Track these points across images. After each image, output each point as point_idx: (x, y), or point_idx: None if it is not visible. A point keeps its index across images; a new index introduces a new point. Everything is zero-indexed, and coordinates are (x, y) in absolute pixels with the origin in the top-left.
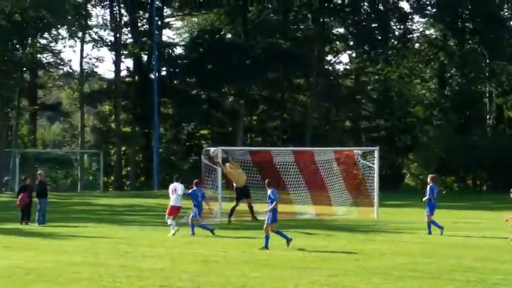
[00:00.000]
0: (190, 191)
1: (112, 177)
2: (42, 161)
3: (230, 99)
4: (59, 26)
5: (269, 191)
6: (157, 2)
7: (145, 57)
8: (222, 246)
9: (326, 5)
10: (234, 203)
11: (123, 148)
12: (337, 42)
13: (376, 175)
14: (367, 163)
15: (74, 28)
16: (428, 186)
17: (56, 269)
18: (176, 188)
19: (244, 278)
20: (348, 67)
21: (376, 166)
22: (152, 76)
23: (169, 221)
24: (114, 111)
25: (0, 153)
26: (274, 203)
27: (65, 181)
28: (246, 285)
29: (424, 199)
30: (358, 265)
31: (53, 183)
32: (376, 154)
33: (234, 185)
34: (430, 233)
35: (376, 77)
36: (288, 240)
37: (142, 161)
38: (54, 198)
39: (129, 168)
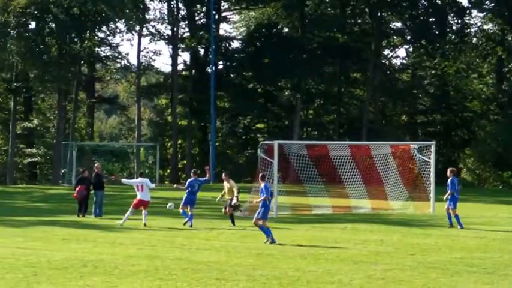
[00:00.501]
0: (188, 180)
1: (168, 170)
2: (99, 153)
3: (286, 93)
4: (116, 20)
5: (262, 185)
6: None
7: (202, 51)
8: (277, 239)
9: None
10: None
11: (179, 141)
12: (394, 37)
13: (432, 170)
14: (424, 157)
15: (131, 22)
16: (449, 180)
17: (113, 261)
18: (143, 184)
19: (300, 272)
20: (404, 61)
21: (432, 161)
22: (209, 70)
23: (129, 212)
24: (171, 104)
25: (58, 146)
26: (263, 197)
27: (121, 174)
28: (301, 278)
29: (445, 197)
30: (414, 259)
31: (108, 176)
32: (432, 149)
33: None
34: (451, 225)
35: (433, 72)
36: (270, 238)
37: (199, 154)
38: (110, 190)
39: (185, 162)
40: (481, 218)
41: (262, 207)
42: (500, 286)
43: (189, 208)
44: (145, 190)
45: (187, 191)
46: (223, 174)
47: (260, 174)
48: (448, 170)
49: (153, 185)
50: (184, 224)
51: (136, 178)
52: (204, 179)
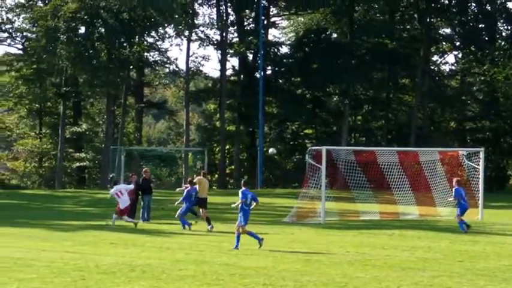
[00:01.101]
0: (185, 189)
1: (216, 175)
2: (147, 158)
3: (335, 99)
4: (165, 25)
5: (240, 191)
6: (263, 1)
7: (250, 56)
8: (325, 245)
9: (433, 5)
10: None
11: (227, 147)
12: (443, 43)
13: (481, 176)
14: (472, 164)
15: (180, 27)
16: (454, 189)
17: (160, 265)
18: (121, 190)
19: (347, 278)
20: (453, 68)
21: (481, 167)
22: (257, 75)
23: (114, 217)
24: (219, 109)
25: (106, 151)
26: (239, 201)
27: (169, 178)
28: (348, 284)
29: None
30: (462, 266)
31: (157, 181)
32: (481, 155)
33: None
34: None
35: (482, 78)
36: (260, 241)
37: (246, 159)
38: (158, 195)
39: (233, 167)
40: None
41: (240, 212)
42: None
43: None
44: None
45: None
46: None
47: (242, 181)
48: (454, 180)
49: (127, 190)
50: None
51: (185, 184)
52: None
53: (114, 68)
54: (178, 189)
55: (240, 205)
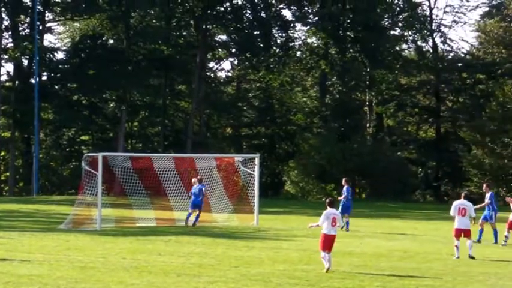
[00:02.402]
0: None
1: None
2: None
3: (111, 105)
4: None
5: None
6: (38, 7)
7: (26, 62)
8: (101, 252)
9: (209, 12)
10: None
11: (2, 153)
12: (220, 49)
13: (256, 182)
14: (248, 170)
15: None
16: (490, 194)
17: None
18: None
19: (123, 285)
20: (229, 74)
21: (256, 173)
22: (33, 81)
23: None
24: None
25: None
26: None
27: None
28: None
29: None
30: (238, 272)
31: None
32: (256, 161)
33: None
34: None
35: (258, 85)
36: None
37: (22, 166)
38: None
39: (8, 174)
40: (304, 230)
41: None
42: None
43: None
44: None
45: None
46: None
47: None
48: (484, 185)
49: None
50: None
51: None
52: None
53: None
54: None
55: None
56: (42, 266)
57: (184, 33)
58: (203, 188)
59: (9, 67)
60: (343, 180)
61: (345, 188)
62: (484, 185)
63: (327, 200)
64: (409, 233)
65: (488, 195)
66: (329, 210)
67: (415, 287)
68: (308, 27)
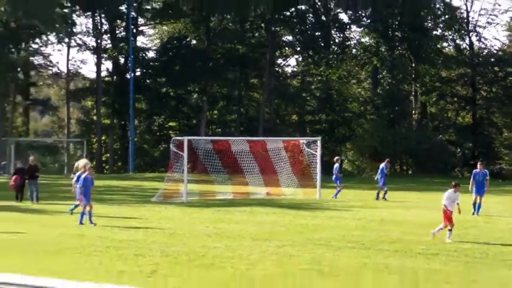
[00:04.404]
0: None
1: (93, 162)
2: (34, 148)
3: (195, 96)
4: (48, 33)
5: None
6: (132, 13)
7: (122, 60)
8: (187, 221)
9: (277, 16)
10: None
11: (103, 138)
12: (286, 48)
13: (318, 161)
14: (311, 151)
15: (61, 35)
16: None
17: (43, 240)
18: None
19: (206, 248)
20: (295, 69)
21: (318, 153)
22: (128, 76)
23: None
24: (96, 106)
25: None
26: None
27: (53, 165)
28: (207, 254)
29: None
30: (303, 237)
31: (43, 167)
32: (318, 143)
33: None
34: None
35: (319, 78)
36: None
37: (120, 148)
38: (44, 180)
39: (108, 155)
40: (360, 201)
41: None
42: (375, 259)
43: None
44: None
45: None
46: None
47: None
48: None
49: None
50: None
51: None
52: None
53: (4, 70)
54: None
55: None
56: (137, 233)
57: (256, 35)
58: None
59: (108, 65)
60: (335, 158)
61: (337, 165)
62: None
63: (453, 183)
64: None
65: None
66: (454, 193)
67: (455, 249)
68: (362, 28)
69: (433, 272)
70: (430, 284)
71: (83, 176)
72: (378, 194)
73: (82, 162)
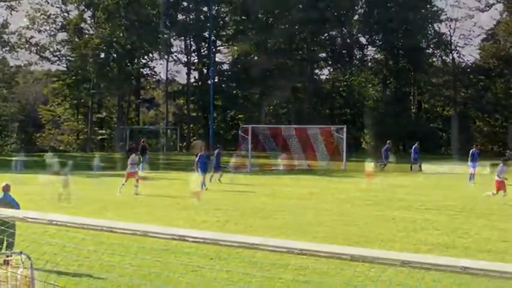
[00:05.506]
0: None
1: (185, 143)
2: (143, 133)
3: (256, 96)
4: (153, 52)
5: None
6: (212, 37)
7: (205, 71)
8: (250, 184)
9: (315, 39)
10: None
11: (191, 125)
12: (322, 62)
13: (344, 142)
14: (339, 135)
15: (162, 53)
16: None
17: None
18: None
19: (264, 204)
20: (327, 77)
21: (344, 137)
22: (209, 82)
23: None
24: (186, 103)
25: (118, 129)
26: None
27: (155, 146)
28: (266, 208)
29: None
30: (333, 196)
31: (149, 147)
32: (344, 130)
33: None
34: None
35: (345, 83)
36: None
37: (203, 133)
38: (150, 155)
39: (194, 138)
40: (375, 172)
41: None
42: (385, 212)
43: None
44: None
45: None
46: None
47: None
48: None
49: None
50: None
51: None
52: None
53: (122, 79)
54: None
55: None
56: (215, 194)
57: (300, 52)
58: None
59: (195, 74)
60: (387, 142)
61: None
62: None
63: (502, 158)
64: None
65: None
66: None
67: (442, 204)
68: (375, 48)
69: (426, 221)
70: (425, 230)
71: (200, 154)
72: (411, 167)
73: (198, 143)
